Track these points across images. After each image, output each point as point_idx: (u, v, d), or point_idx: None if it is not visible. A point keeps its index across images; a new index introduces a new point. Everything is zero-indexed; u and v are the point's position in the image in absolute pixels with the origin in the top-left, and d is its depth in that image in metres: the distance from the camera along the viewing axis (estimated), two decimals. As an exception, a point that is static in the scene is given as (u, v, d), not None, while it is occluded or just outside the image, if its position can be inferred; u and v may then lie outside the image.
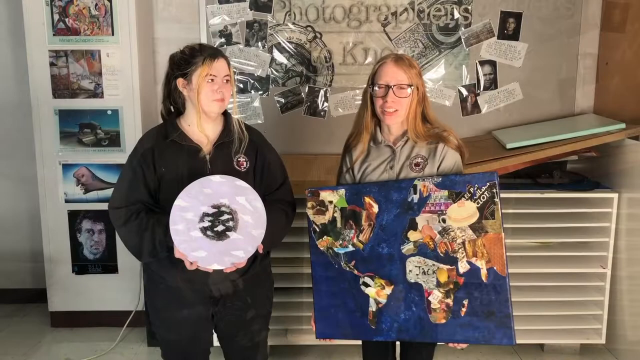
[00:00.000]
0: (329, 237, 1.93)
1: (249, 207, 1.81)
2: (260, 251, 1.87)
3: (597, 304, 2.90)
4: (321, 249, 1.95)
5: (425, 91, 1.92)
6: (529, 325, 2.92)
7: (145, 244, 1.86)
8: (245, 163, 1.93)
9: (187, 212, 1.78)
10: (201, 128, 1.89)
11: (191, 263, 1.80)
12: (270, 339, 2.82)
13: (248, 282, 1.98)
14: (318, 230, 1.95)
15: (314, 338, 2.89)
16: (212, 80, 1.85)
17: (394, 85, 1.83)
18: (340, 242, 1.91)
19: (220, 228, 1.80)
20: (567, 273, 2.89)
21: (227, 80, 1.88)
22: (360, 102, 3.14)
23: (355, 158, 1.96)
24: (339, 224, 1.91)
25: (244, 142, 1.93)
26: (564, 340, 2.96)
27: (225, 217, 1.79)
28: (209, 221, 1.79)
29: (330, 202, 1.92)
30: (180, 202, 1.77)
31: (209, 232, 1.79)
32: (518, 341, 2.94)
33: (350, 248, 1.90)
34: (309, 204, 1.96)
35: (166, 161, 1.89)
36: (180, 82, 1.88)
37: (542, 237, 2.90)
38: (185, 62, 1.86)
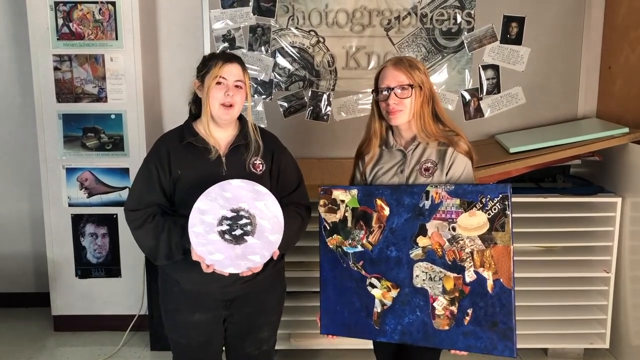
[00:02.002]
0: (338, 236, 1.95)
1: (267, 213, 1.81)
2: (275, 257, 1.87)
3: (601, 309, 2.90)
4: (330, 246, 1.96)
5: (434, 89, 1.93)
6: (532, 330, 2.92)
7: (162, 246, 1.87)
8: (261, 166, 1.93)
9: (206, 215, 1.78)
10: (209, 132, 1.90)
11: (208, 266, 1.81)
12: (273, 343, 2.83)
13: (260, 286, 1.98)
14: (328, 228, 1.96)
15: (318, 342, 2.93)
16: (220, 83, 1.86)
17: (394, 87, 1.86)
18: (350, 241, 1.92)
19: (238, 232, 1.80)
20: (571, 277, 2.89)
21: (237, 86, 1.88)
22: (363, 106, 3.21)
23: (367, 163, 1.99)
24: (349, 224, 1.93)
25: (260, 146, 1.93)
26: (567, 344, 2.95)
27: (244, 221, 1.80)
28: (227, 225, 1.79)
29: (343, 201, 1.94)
30: (200, 204, 1.78)
31: (227, 236, 1.80)
32: (522, 346, 2.98)
33: (359, 248, 1.91)
34: (321, 202, 1.97)
35: (182, 164, 1.89)
36: (195, 83, 1.94)
37: (545, 241, 2.90)
38: (203, 65, 1.91)
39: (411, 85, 1.85)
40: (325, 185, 1.99)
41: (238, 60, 1.91)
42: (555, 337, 2.95)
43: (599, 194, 2.87)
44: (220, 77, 1.85)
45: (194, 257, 1.81)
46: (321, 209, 1.98)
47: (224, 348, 2.12)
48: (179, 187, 1.89)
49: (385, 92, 1.87)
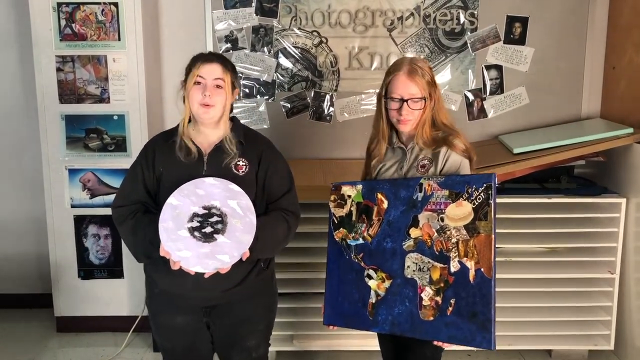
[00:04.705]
0: (344, 229, 2.00)
1: (239, 212, 1.79)
2: (244, 258, 1.82)
3: (605, 310, 2.88)
4: (336, 240, 2.02)
5: (440, 96, 1.95)
6: (536, 331, 2.91)
7: (139, 243, 1.87)
8: (244, 167, 1.91)
9: (177, 211, 1.78)
10: (192, 131, 1.90)
11: (174, 262, 1.79)
12: (276, 345, 2.83)
13: (242, 296, 1.94)
14: (336, 222, 2.02)
15: (321, 344, 2.93)
16: (199, 82, 1.85)
17: (407, 99, 1.87)
18: (353, 234, 1.98)
19: (208, 230, 1.78)
20: (575, 278, 2.88)
21: (218, 86, 1.86)
22: (366, 106, 3.20)
23: (374, 163, 2.02)
24: (353, 218, 1.98)
25: (235, 150, 1.90)
26: (571, 346, 2.94)
27: (215, 219, 1.79)
28: (198, 222, 1.78)
29: (349, 196, 2.00)
30: (172, 200, 1.78)
31: (196, 233, 1.78)
32: (526, 347, 2.97)
33: (361, 241, 1.96)
34: (332, 197, 2.04)
35: (165, 162, 1.90)
36: (181, 83, 1.94)
37: (549, 242, 2.88)
38: (187, 68, 1.91)
39: (423, 98, 1.87)
40: (336, 182, 2.05)
41: (219, 59, 1.89)
42: (560, 338, 2.93)
43: (603, 194, 2.86)
44: (199, 76, 1.85)
45: (161, 252, 1.79)
46: (331, 204, 2.04)
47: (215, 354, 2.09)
48: (161, 185, 1.89)
49: (397, 102, 1.88)
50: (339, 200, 2.02)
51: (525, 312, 2.88)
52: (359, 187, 1.98)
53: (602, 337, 2.91)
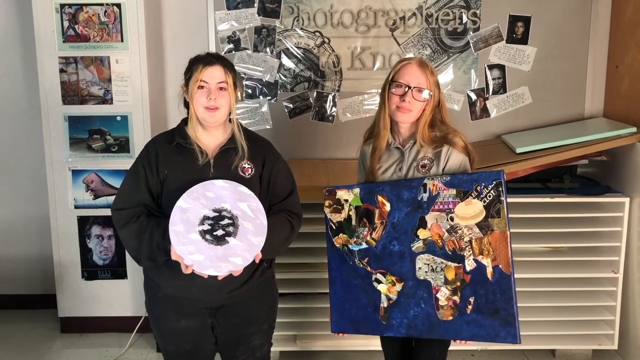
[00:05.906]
0: (344, 235, 1.99)
1: (250, 214, 1.79)
2: (257, 260, 1.83)
3: (609, 309, 2.88)
4: (337, 246, 2.00)
5: (443, 99, 1.98)
6: (540, 331, 2.90)
7: (144, 247, 1.85)
8: (249, 170, 1.91)
9: (187, 213, 1.76)
10: (197, 135, 1.89)
11: (187, 266, 1.78)
12: (279, 345, 2.84)
13: (247, 295, 1.95)
14: (334, 227, 2.00)
15: (324, 344, 2.93)
16: (202, 87, 1.84)
17: (414, 87, 1.88)
18: (355, 239, 1.97)
19: (219, 232, 1.78)
20: (579, 278, 2.87)
21: (221, 88, 1.86)
22: (369, 106, 3.20)
23: (374, 161, 1.98)
24: (353, 222, 1.97)
25: (245, 149, 1.90)
26: (575, 345, 2.93)
27: (226, 221, 1.78)
28: (209, 225, 1.77)
29: (346, 200, 1.98)
30: (182, 203, 1.76)
31: (208, 236, 1.77)
32: (529, 347, 2.97)
33: (364, 245, 1.95)
34: (326, 203, 2.01)
35: (169, 164, 1.88)
36: (182, 87, 1.93)
37: (552, 241, 2.88)
38: (188, 69, 1.90)
39: (429, 92, 1.90)
40: (329, 186, 2.02)
41: (221, 61, 1.87)
42: (563, 338, 2.93)
43: (607, 194, 2.85)
44: (202, 80, 1.84)
45: (173, 257, 1.78)
46: (327, 210, 2.01)
47: (218, 353, 2.09)
48: (165, 188, 1.88)
49: (404, 88, 1.89)
50: (335, 205, 1.99)
51: (528, 311, 2.87)
52: (356, 190, 1.95)
53: (605, 337, 2.91)
